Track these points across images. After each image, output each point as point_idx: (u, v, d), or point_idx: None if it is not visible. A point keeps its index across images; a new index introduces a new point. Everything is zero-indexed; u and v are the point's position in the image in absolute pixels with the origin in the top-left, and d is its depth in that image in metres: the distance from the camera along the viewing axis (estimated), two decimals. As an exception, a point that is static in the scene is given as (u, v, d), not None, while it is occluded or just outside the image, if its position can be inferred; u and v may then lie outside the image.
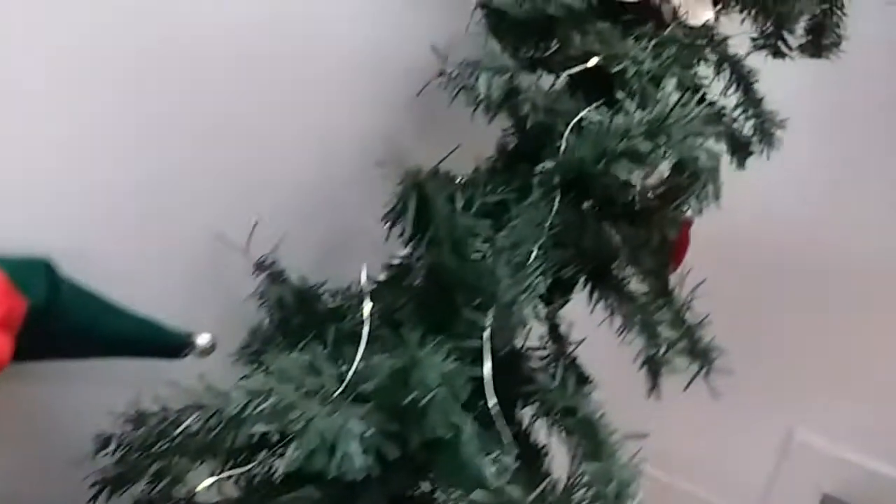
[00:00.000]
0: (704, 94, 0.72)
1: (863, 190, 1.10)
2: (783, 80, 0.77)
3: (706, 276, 0.66)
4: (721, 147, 0.64)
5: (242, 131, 0.69)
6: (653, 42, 0.66)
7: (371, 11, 0.68)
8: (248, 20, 0.65)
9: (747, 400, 1.05)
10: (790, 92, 0.75)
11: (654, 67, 0.61)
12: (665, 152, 0.53)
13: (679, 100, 0.59)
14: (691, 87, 0.61)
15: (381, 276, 0.69)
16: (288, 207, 0.73)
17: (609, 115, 0.59)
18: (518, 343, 0.65)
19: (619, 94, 0.59)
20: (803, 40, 0.82)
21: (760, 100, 0.70)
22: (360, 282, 0.62)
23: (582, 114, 0.60)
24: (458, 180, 0.59)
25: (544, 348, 0.69)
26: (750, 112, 0.70)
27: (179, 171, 0.66)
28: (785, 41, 0.80)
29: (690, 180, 0.53)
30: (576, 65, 0.64)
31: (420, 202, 0.54)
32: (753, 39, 0.80)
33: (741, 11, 0.72)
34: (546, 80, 0.67)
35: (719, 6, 0.74)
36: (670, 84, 0.58)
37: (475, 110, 0.56)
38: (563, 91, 0.66)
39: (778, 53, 0.82)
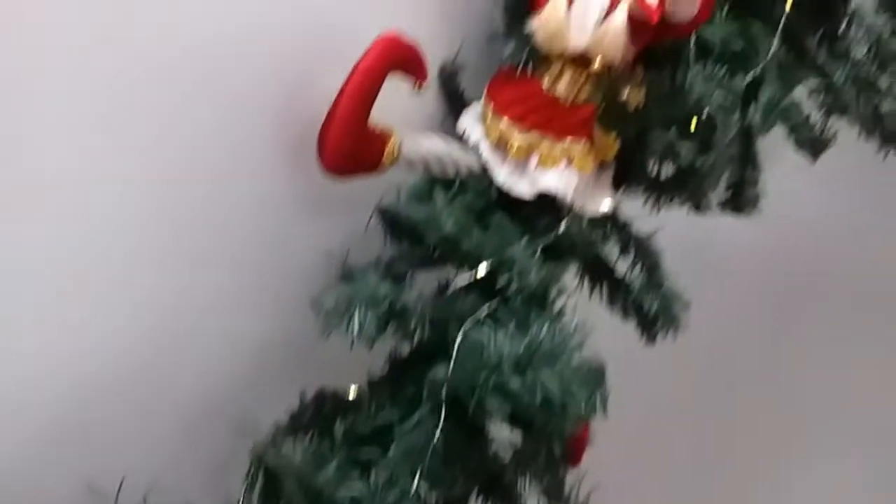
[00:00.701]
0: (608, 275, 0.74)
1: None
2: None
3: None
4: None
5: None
6: (549, 237, 0.68)
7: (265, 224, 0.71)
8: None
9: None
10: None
11: (540, 278, 0.63)
12: (535, 391, 0.54)
13: (558, 315, 0.61)
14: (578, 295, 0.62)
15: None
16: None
17: (491, 333, 0.61)
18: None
19: (503, 313, 0.61)
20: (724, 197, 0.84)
21: (663, 283, 0.71)
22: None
23: (465, 328, 0.61)
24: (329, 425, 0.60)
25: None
26: (653, 294, 0.71)
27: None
28: (705, 200, 0.81)
29: (553, 425, 0.54)
30: (468, 266, 0.66)
31: (268, 478, 0.55)
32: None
33: (645, 193, 0.73)
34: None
35: (622, 189, 0.76)
36: (551, 305, 0.59)
37: (352, 347, 0.58)
38: (460, 291, 0.67)
39: (699, 210, 0.83)
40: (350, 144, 0.62)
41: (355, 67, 0.60)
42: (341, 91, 0.59)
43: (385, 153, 0.63)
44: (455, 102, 0.77)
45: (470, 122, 0.71)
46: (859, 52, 0.80)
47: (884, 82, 0.78)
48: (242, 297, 0.70)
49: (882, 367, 1.16)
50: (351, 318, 0.57)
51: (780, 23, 0.77)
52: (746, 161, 0.82)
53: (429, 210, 0.65)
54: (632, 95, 0.67)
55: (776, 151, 0.83)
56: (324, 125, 0.61)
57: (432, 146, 0.67)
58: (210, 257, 0.69)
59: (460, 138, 0.71)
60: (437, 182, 0.67)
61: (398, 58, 0.61)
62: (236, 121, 0.64)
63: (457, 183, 0.68)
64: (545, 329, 0.61)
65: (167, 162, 0.64)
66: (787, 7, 0.75)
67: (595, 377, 0.62)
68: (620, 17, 0.63)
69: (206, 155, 0.64)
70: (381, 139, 0.64)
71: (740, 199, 0.84)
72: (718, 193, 0.82)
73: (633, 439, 0.95)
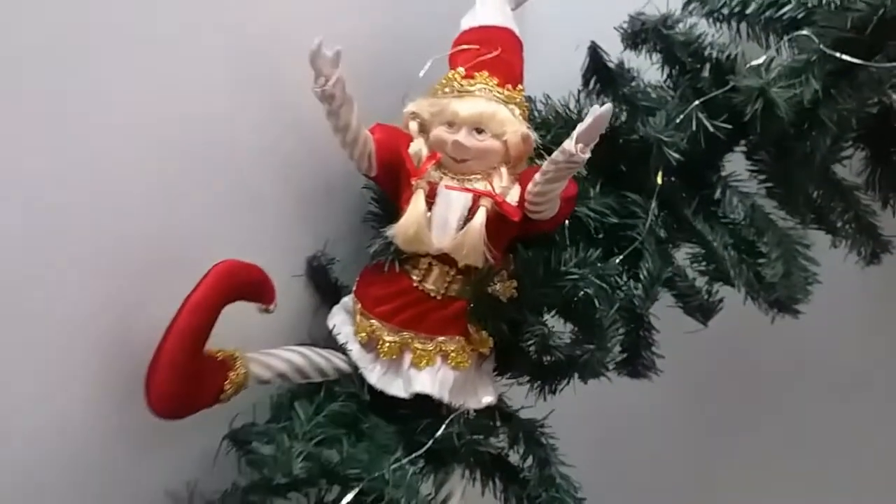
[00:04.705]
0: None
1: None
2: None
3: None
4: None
5: None
6: (427, 444, 0.63)
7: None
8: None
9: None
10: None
11: (417, 497, 0.58)
12: None
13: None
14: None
15: None
16: None
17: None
18: None
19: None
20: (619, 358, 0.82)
21: (554, 478, 0.67)
22: None
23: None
24: None
25: None
26: (548, 489, 0.67)
27: None
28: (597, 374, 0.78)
29: None
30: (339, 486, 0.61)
31: None
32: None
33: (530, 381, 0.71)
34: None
35: (508, 375, 0.73)
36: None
37: None
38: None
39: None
40: (179, 386, 0.56)
41: (185, 302, 0.55)
42: (169, 329, 0.54)
43: (227, 384, 0.58)
44: (328, 293, 0.74)
45: (339, 320, 0.68)
46: (736, 214, 0.80)
47: (764, 247, 0.78)
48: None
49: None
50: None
51: (654, 194, 0.78)
52: (638, 327, 0.81)
53: (277, 447, 0.59)
54: (502, 288, 0.65)
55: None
56: (151, 365, 0.55)
57: (291, 359, 0.63)
58: None
59: (330, 335, 0.68)
60: (299, 393, 0.63)
61: (235, 286, 0.56)
62: (67, 345, 0.57)
63: (323, 389, 0.64)
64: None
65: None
66: (659, 180, 0.75)
67: None
68: (479, 220, 0.61)
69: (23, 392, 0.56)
70: (221, 369, 0.58)
71: (635, 363, 0.82)
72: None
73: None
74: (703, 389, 1.05)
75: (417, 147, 0.64)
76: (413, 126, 0.65)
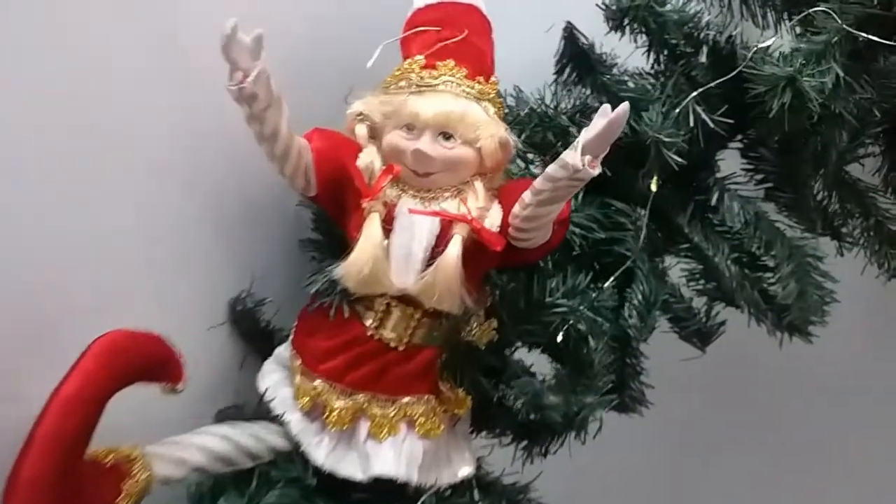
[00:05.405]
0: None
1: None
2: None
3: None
4: None
5: None
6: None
7: None
8: None
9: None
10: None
11: None
12: None
13: None
14: None
15: None
16: None
17: None
18: None
19: None
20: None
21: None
22: None
23: None
24: None
25: None
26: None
27: None
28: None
29: None
30: None
31: None
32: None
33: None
34: None
35: (487, 434, 0.60)
36: None
37: None
38: None
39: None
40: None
41: (53, 395, 0.39)
42: (31, 434, 0.38)
43: (121, 499, 0.43)
44: (258, 341, 0.60)
45: (274, 381, 0.53)
46: (736, 223, 0.70)
47: (771, 261, 0.68)
48: None
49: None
50: None
51: (647, 203, 0.67)
52: (625, 360, 0.70)
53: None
54: (480, 332, 0.52)
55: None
56: (8, 482, 0.39)
57: (209, 446, 0.48)
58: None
59: (261, 401, 0.54)
60: (224, 481, 0.48)
61: (124, 369, 0.41)
62: None
63: (256, 476, 0.50)
64: None
65: None
66: (654, 186, 0.64)
67: None
68: (453, 254, 0.47)
69: None
70: (112, 478, 0.43)
71: (622, 395, 0.71)
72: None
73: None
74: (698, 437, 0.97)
75: (368, 158, 0.50)
76: (361, 131, 0.51)
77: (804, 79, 0.52)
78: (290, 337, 0.53)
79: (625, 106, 0.42)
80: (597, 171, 0.43)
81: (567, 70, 0.69)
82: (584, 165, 0.43)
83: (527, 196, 0.46)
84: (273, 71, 0.46)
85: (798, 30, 0.65)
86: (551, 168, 0.45)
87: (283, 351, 0.54)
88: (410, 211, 0.49)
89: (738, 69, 0.61)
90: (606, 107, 0.42)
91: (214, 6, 0.50)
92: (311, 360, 0.51)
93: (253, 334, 0.57)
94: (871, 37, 0.59)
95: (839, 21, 0.58)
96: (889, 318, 0.88)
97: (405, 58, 0.52)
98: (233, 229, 0.57)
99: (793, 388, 0.95)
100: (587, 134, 0.43)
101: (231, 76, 0.44)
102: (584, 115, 0.67)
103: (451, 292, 0.47)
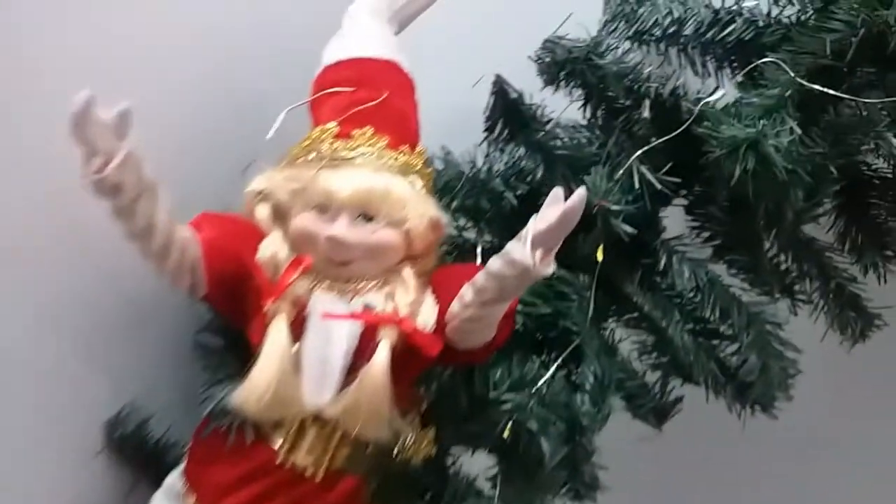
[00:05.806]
0: None
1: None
2: None
3: None
4: None
5: None
6: None
7: None
8: None
9: None
10: None
11: None
12: None
13: None
14: None
15: None
16: None
17: None
18: None
19: None
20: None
21: None
22: None
23: None
24: None
25: None
26: None
27: None
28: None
29: None
30: None
31: None
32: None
33: None
34: None
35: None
36: None
37: None
38: None
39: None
40: None
41: None
42: None
43: None
44: (145, 465, 0.50)
45: (162, 519, 0.44)
46: (688, 287, 0.65)
47: (728, 330, 0.63)
48: None
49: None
50: None
51: (589, 266, 0.61)
52: (576, 448, 0.63)
53: None
54: (415, 449, 0.44)
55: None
56: None
57: None
58: None
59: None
60: None
61: None
62: None
63: None
64: None
65: None
66: (599, 256, 0.58)
67: None
68: (379, 367, 0.39)
69: None
70: None
71: (574, 482, 0.65)
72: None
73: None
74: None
75: (272, 248, 0.41)
76: (262, 213, 0.43)
77: (771, 142, 0.47)
78: (182, 465, 0.44)
79: (581, 192, 0.35)
80: (550, 268, 0.36)
81: (498, 127, 0.64)
82: (534, 263, 0.36)
83: (467, 294, 0.39)
84: (144, 151, 0.37)
85: (740, 79, 0.62)
86: (496, 264, 0.38)
87: (176, 480, 0.45)
88: (326, 316, 0.40)
89: (686, 125, 0.57)
90: (559, 191, 0.36)
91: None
92: (207, 496, 0.42)
93: (139, 459, 0.47)
94: (825, 89, 0.55)
95: (791, 73, 0.55)
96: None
97: (315, 124, 0.45)
98: (107, 328, 0.47)
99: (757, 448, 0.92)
100: (538, 225, 0.36)
101: (86, 163, 0.34)
102: (518, 178, 0.62)
103: (379, 415, 0.39)
